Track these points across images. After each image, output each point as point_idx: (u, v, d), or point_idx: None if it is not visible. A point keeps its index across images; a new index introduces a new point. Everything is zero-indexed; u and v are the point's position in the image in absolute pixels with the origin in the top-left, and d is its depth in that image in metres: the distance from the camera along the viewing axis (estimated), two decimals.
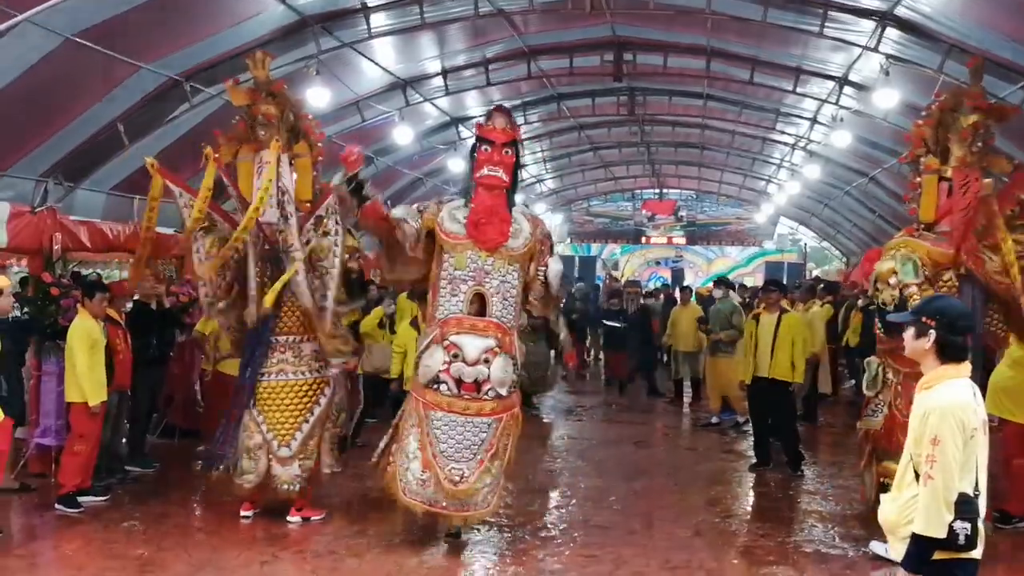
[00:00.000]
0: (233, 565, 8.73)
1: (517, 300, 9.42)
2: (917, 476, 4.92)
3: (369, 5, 13.73)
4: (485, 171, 9.35)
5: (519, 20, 15.80)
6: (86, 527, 9.90)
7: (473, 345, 8.96)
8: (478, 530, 10.05)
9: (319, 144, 10.63)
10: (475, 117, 21.59)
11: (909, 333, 5.15)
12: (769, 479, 13.17)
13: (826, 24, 13.99)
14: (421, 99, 18.37)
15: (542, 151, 27.70)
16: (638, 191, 39.15)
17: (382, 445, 9.74)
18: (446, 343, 8.99)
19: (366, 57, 15.33)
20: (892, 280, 9.37)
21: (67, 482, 10.41)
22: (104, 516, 10.28)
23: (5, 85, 10.14)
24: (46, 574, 8.49)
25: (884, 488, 9.32)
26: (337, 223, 9.80)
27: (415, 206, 9.58)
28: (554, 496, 12.14)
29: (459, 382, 8.97)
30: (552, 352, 18.04)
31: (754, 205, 37.13)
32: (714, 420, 17.06)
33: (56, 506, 10.36)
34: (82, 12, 9.91)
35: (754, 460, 13.78)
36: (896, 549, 5.10)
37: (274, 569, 8.68)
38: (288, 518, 10.06)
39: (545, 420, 17.58)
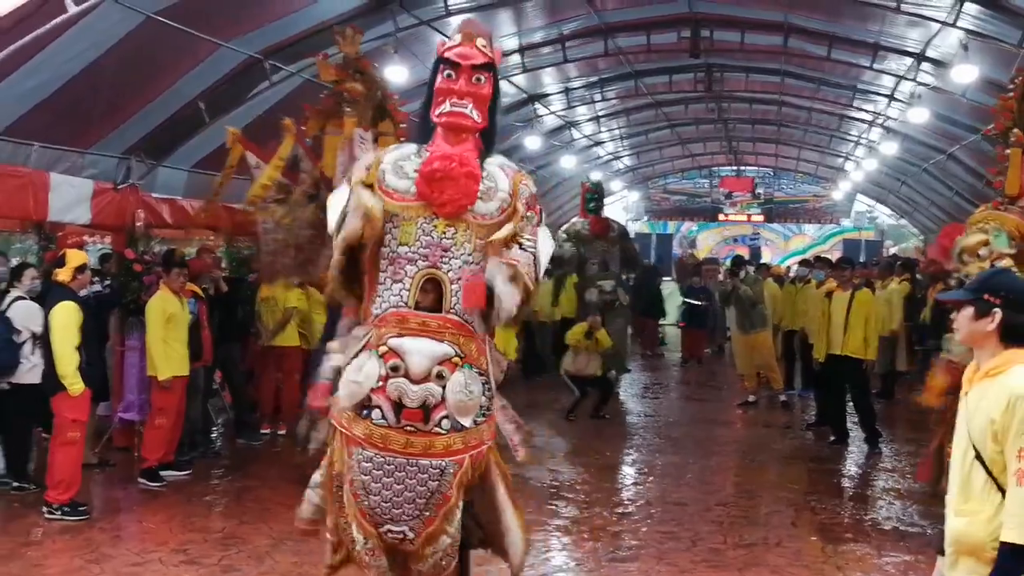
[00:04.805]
0: (314, 539, 8.80)
1: None
2: (992, 478, 4.25)
3: None
4: (447, 106, 6.09)
5: None
6: (168, 501, 10.06)
7: (420, 352, 5.86)
8: (556, 506, 10.08)
9: (403, 124, 10.72)
10: (552, 94, 21.64)
11: (967, 313, 4.45)
12: (846, 456, 13.13)
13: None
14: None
15: (619, 128, 27.62)
16: (715, 168, 38.88)
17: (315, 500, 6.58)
18: (383, 349, 5.88)
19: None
20: (982, 252, 9.17)
21: (150, 456, 10.58)
22: (186, 490, 10.44)
23: (88, 64, 10.27)
24: (130, 547, 8.59)
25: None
26: None
27: (350, 174, 6.38)
28: (631, 473, 12.16)
29: (398, 406, 5.82)
30: (628, 330, 18.00)
31: (831, 182, 36.78)
32: (751, 399, 16.92)
33: (139, 480, 10.53)
34: None
35: (832, 438, 13.72)
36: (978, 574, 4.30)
37: None
38: None
39: (622, 398, 17.53)
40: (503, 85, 18.82)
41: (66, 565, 7.99)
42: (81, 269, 9.55)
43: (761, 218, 39.43)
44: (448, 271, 5.95)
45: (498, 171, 6.18)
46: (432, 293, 6.00)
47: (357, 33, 10.65)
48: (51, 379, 9.25)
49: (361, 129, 10.11)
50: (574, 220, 19.25)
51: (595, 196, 19.21)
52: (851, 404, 13.90)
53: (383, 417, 5.84)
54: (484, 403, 5.99)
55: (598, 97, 22.85)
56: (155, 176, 12.72)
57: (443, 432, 5.87)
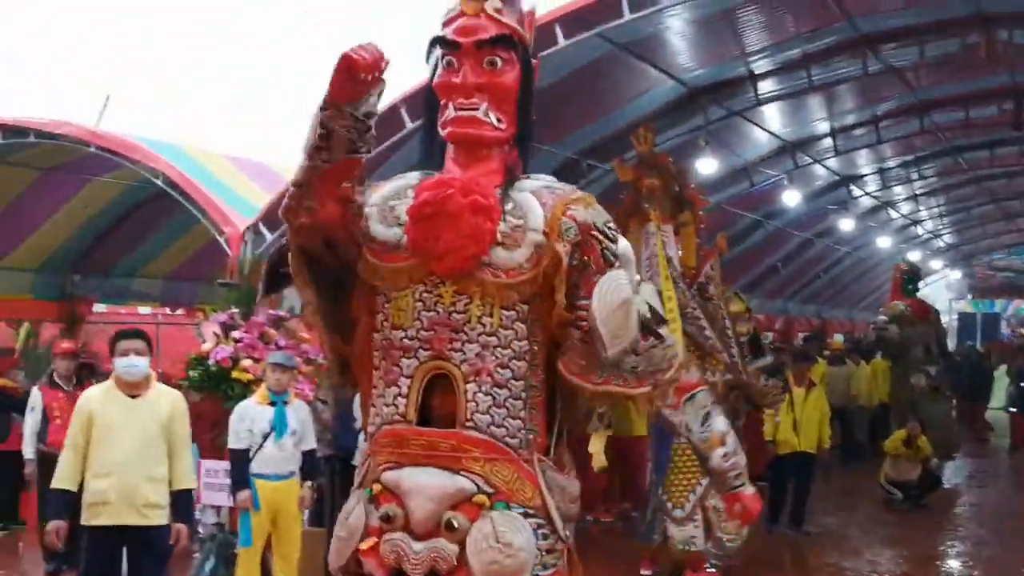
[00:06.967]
0: None
1: (531, 381, 3.70)
2: None
3: (756, 73, 13.97)
4: (451, 111, 3.76)
5: (910, 75, 15.60)
6: None
7: (423, 491, 3.65)
8: None
9: (702, 212, 11.01)
10: (866, 175, 21.46)
11: None
12: None
13: None
14: (810, 161, 18.41)
15: (938, 206, 26.96)
16: None
17: None
18: (376, 488, 3.74)
19: (754, 123, 15.57)
20: None
21: None
22: None
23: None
24: None
25: None
26: (717, 285, 10.10)
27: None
28: (955, 566, 11.79)
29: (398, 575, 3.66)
30: (954, 412, 17.56)
31: None
32: None
33: None
34: None
35: None
36: None
37: None
38: None
39: (946, 486, 17.03)
40: (816, 169, 19.10)
41: None
42: None
43: None
44: (462, 361, 3.67)
45: (530, 200, 3.77)
46: (442, 398, 3.75)
47: (648, 132, 11.04)
48: None
49: (659, 223, 10.42)
50: (894, 303, 18.90)
51: (913, 278, 18.96)
52: None
53: None
54: (540, 556, 3.67)
55: (915, 175, 22.46)
56: None
57: None
